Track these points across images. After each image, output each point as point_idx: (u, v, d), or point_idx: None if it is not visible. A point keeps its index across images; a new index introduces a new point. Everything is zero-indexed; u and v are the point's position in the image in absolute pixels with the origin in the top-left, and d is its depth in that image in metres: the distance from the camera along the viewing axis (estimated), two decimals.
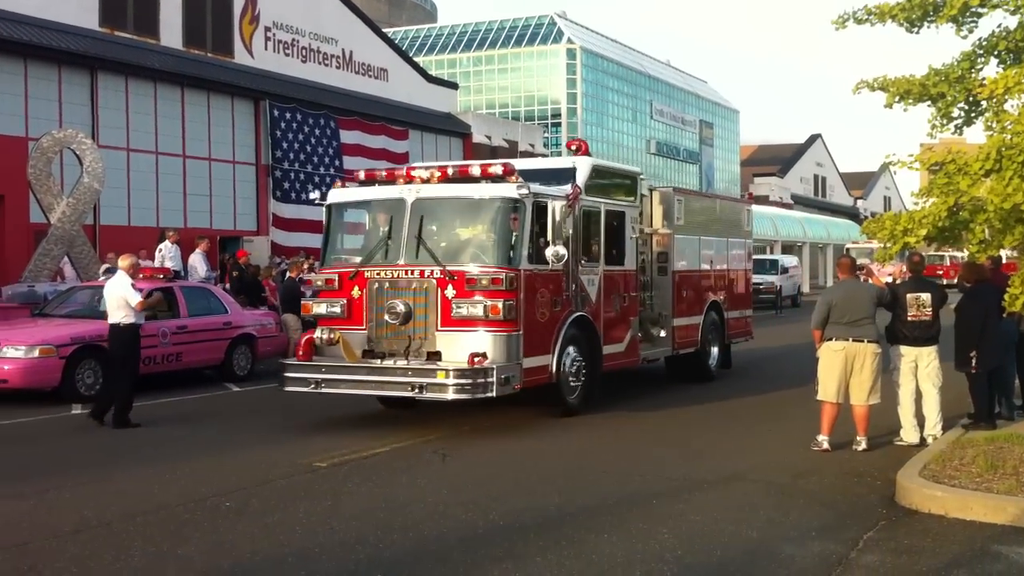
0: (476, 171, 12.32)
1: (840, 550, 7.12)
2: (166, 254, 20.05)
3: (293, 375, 12.29)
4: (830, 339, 10.73)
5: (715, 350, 17.19)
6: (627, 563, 6.77)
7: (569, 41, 67.34)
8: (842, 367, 10.61)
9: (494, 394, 11.19)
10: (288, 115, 35.00)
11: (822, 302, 10.96)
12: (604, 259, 13.59)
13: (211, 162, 32.80)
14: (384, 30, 45.93)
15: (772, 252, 52.17)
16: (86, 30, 29.07)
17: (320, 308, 12.49)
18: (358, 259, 12.74)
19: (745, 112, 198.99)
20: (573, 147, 14.14)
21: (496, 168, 12.20)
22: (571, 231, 12.46)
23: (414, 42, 70.30)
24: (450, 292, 11.57)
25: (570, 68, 67.18)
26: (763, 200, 76.62)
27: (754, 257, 44.01)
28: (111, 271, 19.32)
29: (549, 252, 11.74)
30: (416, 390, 11.34)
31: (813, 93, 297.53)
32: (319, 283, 12.96)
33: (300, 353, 12.32)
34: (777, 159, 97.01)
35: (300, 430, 11.79)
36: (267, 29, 35.36)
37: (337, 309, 12.22)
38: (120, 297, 12.24)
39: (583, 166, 13.47)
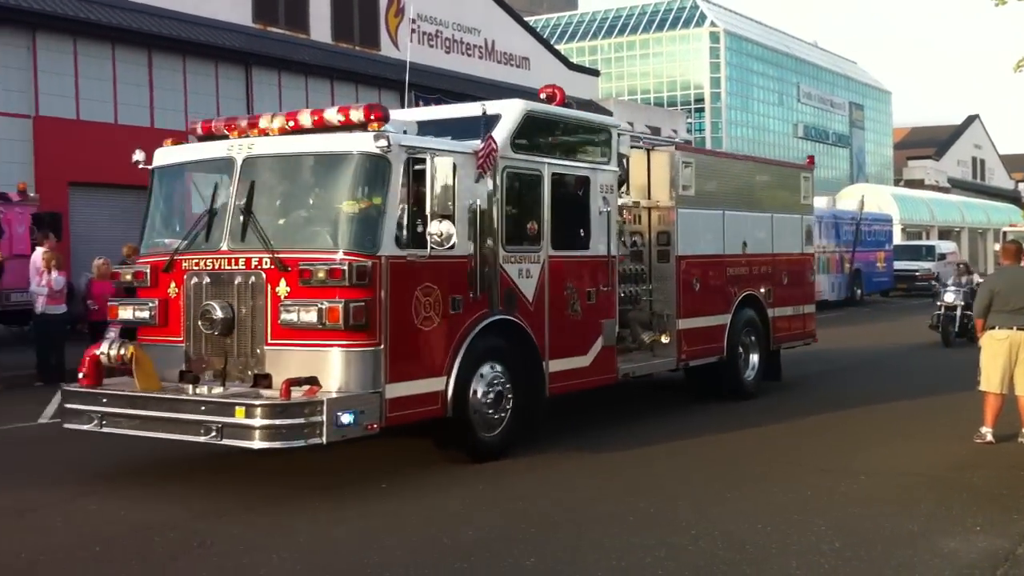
0: (335, 117, 8.75)
1: (1006, 545, 6.79)
2: None
3: (71, 406, 8.98)
4: (993, 327, 10.26)
5: (754, 358, 13.57)
6: (782, 553, 6.61)
7: (712, 24, 66.29)
8: (1006, 356, 10.13)
9: (323, 440, 7.83)
10: (433, 105, 35.50)
11: (984, 289, 10.50)
12: (552, 242, 10.04)
13: None
14: (526, 19, 46.11)
15: (928, 238, 50.34)
16: (240, 26, 30.08)
17: (126, 312, 9.39)
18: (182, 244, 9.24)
19: (897, 93, 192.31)
20: (544, 95, 10.60)
21: (357, 113, 8.63)
22: (484, 202, 9.19)
23: (555, 30, 70.41)
24: (282, 289, 8.33)
25: (713, 52, 66.18)
26: (918, 184, 74.08)
27: (908, 243, 42.64)
28: None
29: (431, 230, 8.37)
30: (211, 434, 7.98)
31: (970, 72, 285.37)
32: (127, 277, 9.68)
33: (81, 376, 9.04)
34: (932, 141, 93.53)
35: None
36: (412, 21, 35.91)
37: (146, 314, 9.07)
38: None
39: (511, 112, 9.84)
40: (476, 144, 9.19)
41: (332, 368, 8.14)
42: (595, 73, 48.18)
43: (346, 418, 7.90)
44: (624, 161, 11.45)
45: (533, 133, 10.08)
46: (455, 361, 8.87)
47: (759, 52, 70.16)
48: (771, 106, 71.92)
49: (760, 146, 70.34)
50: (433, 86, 35.56)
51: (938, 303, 20.88)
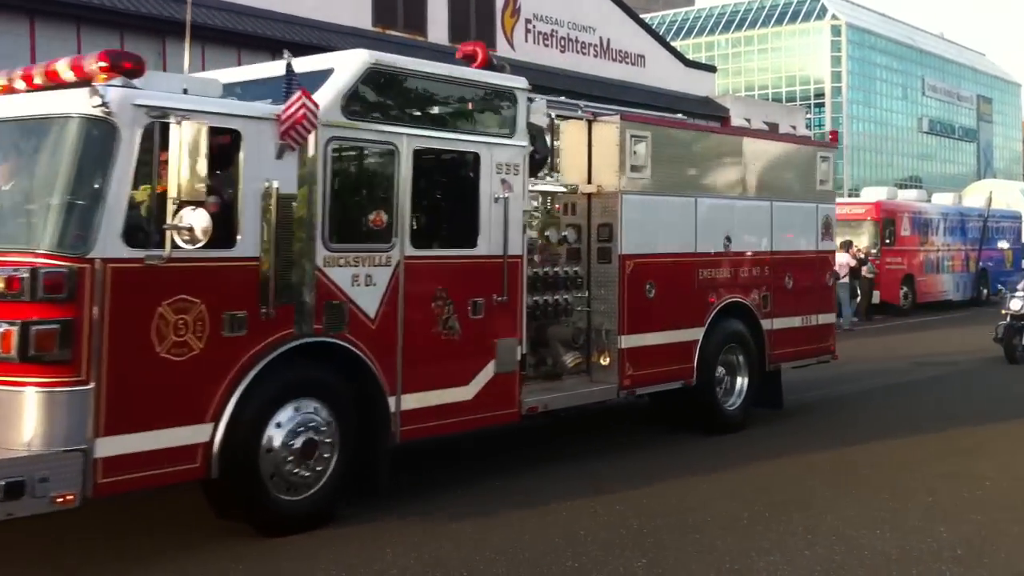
0: (67, 71, 6.57)
1: None
2: None
3: None
4: None
5: (740, 381, 11.04)
6: (902, 560, 6.50)
7: (833, 17, 64.90)
8: None
9: None
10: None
11: None
12: (413, 238, 7.76)
13: None
14: (641, 16, 45.90)
15: None
16: (360, 30, 30.66)
17: None
18: None
19: None
20: (462, 55, 8.89)
21: (91, 64, 6.39)
22: (289, 185, 6.87)
23: (671, 26, 69.91)
24: None
25: (834, 45, 64.80)
26: None
27: None
28: None
29: (176, 221, 6.15)
30: None
31: None
32: None
33: None
34: None
35: None
36: (527, 21, 36.14)
37: None
38: None
39: (347, 66, 7.54)
40: (270, 108, 6.90)
41: (14, 416, 5.93)
42: (712, 69, 47.61)
43: (32, 485, 5.72)
44: (543, 134, 9.18)
45: (382, 94, 7.69)
46: (228, 401, 6.57)
47: (882, 44, 68.39)
48: (895, 100, 70.10)
49: (883, 140, 68.56)
50: (548, 85, 35.60)
51: (1003, 311, 17.65)
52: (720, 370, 10.73)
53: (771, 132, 12.68)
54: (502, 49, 35.08)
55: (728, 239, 10.77)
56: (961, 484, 8.57)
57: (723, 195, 10.82)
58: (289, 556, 6.57)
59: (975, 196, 37.76)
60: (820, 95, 65.35)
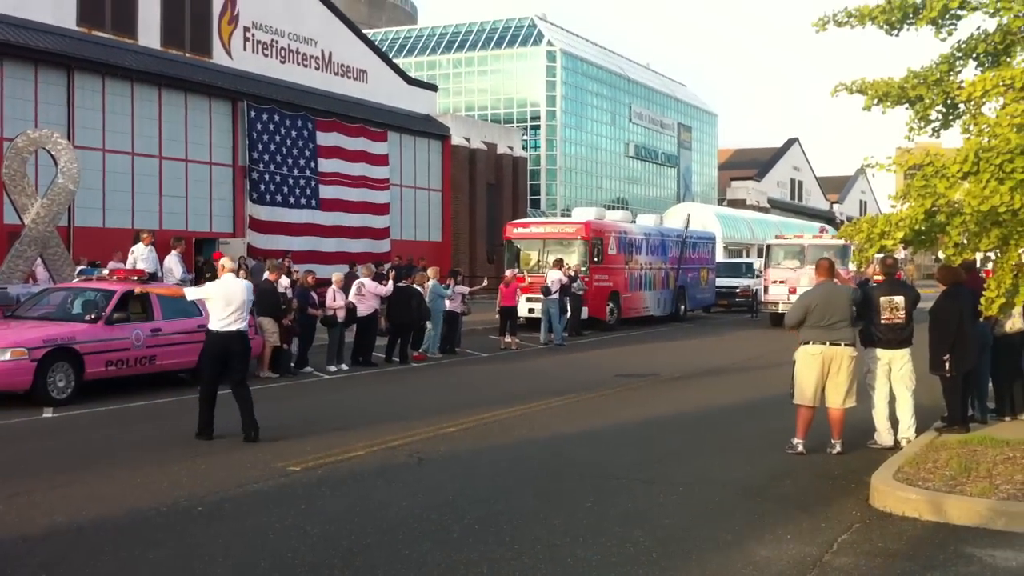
0: None
1: (815, 552, 7.13)
2: (138, 256, 19.93)
3: None
4: (807, 343, 10.74)
5: None
6: (602, 567, 6.76)
7: (549, 43, 67.35)
8: (819, 371, 10.63)
9: None
10: (265, 116, 34.89)
11: (800, 304, 10.96)
12: None
13: (187, 163, 32.66)
14: (364, 31, 45.85)
15: (748, 256, 52.37)
16: (63, 29, 28.89)
17: None
18: None
19: (724, 116, 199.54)
20: None
21: None
22: None
23: (394, 43, 70.19)
24: None
25: (550, 70, 67.19)
26: (740, 204, 77.07)
27: (730, 261, 44.12)
28: (86, 272, 19.24)
29: None
30: None
31: (791, 97, 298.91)
32: None
33: None
34: (755, 163, 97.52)
35: (275, 434, 11.65)
36: (246, 29, 35.25)
37: None
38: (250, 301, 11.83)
39: None
40: None
41: None
42: (433, 88, 48.28)
43: None
44: None
45: None
46: None
47: (594, 72, 71.69)
48: (604, 125, 73.51)
49: (593, 163, 71.75)
50: (267, 96, 34.97)
51: None
52: None
53: None
54: (219, 57, 34.03)
55: None
56: (658, 490, 9.04)
57: None
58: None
59: (675, 218, 40.28)
60: (536, 118, 67.57)
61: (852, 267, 25.17)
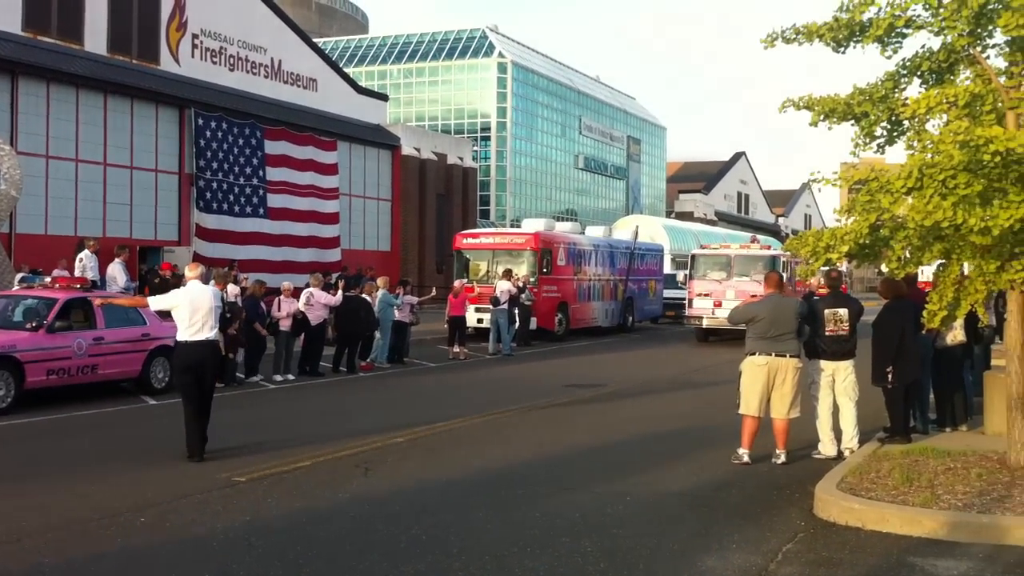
0: None
1: (760, 562, 7.18)
2: (87, 263, 19.62)
3: None
4: (753, 354, 10.85)
5: None
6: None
7: (500, 55, 67.54)
8: (765, 381, 10.74)
9: None
10: (213, 124, 34.56)
11: (749, 310, 11.04)
12: None
13: (133, 170, 32.27)
14: (315, 40, 45.65)
15: None
16: (8, 34, 28.43)
17: None
18: None
19: (672, 129, 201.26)
20: None
21: None
22: None
23: (344, 52, 69.97)
24: None
25: (501, 82, 67.38)
26: (688, 216, 77.74)
27: (677, 272, 44.29)
28: (27, 280, 18.90)
29: None
30: None
31: (739, 112, 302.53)
32: None
33: None
34: (702, 176, 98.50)
35: (219, 444, 11.52)
36: (194, 36, 34.93)
37: None
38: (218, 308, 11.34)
39: None
40: None
41: None
42: (384, 98, 48.17)
43: None
44: None
45: None
46: None
47: (544, 84, 72.00)
48: (554, 137, 73.85)
49: (543, 175, 72.01)
50: (215, 104, 34.66)
51: None
52: None
53: None
54: (166, 64, 33.68)
55: None
56: (606, 500, 9.07)
57: None
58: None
59: (624, 230, 40.44)
60: (487, 129, 67.68)
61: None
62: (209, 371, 11.03)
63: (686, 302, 30.74)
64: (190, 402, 10.91)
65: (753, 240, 34.82)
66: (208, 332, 10.97)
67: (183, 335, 10.93)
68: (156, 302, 11.61)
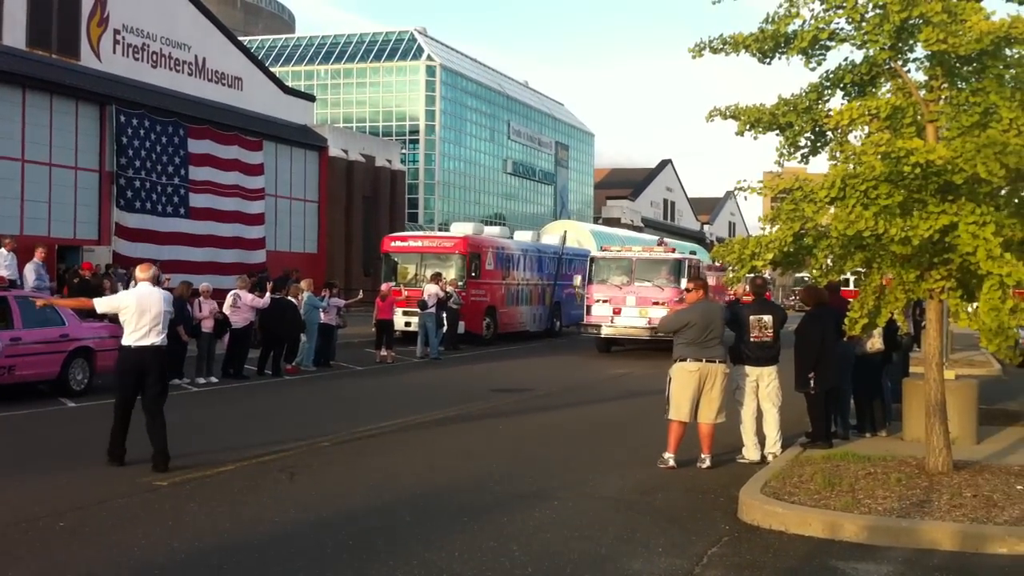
0: None
1: (686, 565, 7.25)
2: (3, 262, 19.09)
3: None
4: (684, 359, 10.93)
5: None
6: None
7: (429, 58, 67.41)
8: (695, 387, 10.85)
9: None
10: (135, 121, 33.94)
11: (680, 318, 11.12)
12: None
13: (52, 167, 31.55)
14: (240, 38, 45.07)
15: None
16: None
17: None
18: None
19: (600, 136, 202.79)
20: None
21: None
22: None
23: (271, 52, 69.23)
24: None
25: (429, 85, 67.26)
26: (615, 222, 78.32)
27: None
28: None
29: None
30: None
31: (666, 119, 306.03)
32: None
33: None
34: (629, 183, 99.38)
35: (140, 448, 11.26)
36: (116, 32, 34.26)
37: None
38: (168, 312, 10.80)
39: None
40: None
41: None
42: (311, 98, 47.74)
43: None
44: None
45: None
46: None
47: (473, 88, 72.03)
48: (483, 141, 73.92)
49: (471, 179, 72.02)
50: (137, 101, 34.03)
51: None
52: None
53: None
54: (87, 59, 32.98)
55: None
56: (533, 504, 9.08)
57: None
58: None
59: (552, 235, 40.62)
60: (415, 132, 67.48)
61: (683, 283, 23.85)
62: (153, 377, 10.50)
63: (584, 309, 28.24)
64: (122, 407, 10.52)
65: (660, 243, 32.78)
66: (155, 337, 10.46)
67: (128, 339, 10.43)
68: (103, 303, 11.07)
